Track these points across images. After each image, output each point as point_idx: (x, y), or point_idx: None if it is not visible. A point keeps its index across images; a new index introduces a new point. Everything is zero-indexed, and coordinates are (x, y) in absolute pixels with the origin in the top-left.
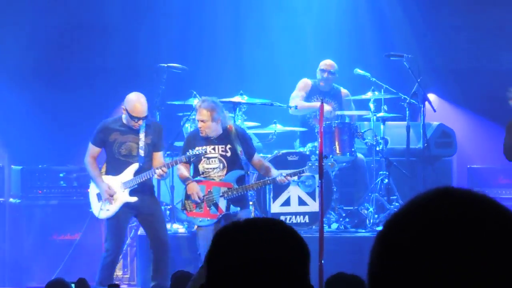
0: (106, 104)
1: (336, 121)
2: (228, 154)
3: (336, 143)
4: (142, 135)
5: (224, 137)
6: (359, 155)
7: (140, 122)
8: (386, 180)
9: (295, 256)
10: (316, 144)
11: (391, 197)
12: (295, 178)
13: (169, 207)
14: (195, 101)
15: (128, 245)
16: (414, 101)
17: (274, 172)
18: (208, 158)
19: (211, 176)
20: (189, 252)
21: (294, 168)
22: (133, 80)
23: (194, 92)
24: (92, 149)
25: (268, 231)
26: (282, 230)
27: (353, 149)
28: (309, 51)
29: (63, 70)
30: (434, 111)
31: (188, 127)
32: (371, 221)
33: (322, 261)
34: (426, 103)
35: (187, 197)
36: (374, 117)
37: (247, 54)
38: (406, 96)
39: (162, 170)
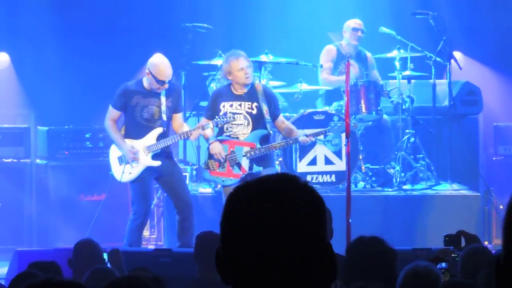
0: (131, 64)
1: (362, 80)
2: (254, 111)
3: (362, 102)
4: (163, 99)
5: (251, 95)
6: (384, 116)
7: (166, 85)
8: (413, 139)
9: (312, 216)
10: (341, 103)
11: (417, 156)
12: (320, 137)
13: (195, 167)
14: (219, 61)
15: (155, 205)
16: (439, 59)
17: (297, 133)
18: (234, 113)
19: (235, 133)
20: (215, 211)
21: (320, 127)
22: (158, 40)
23: (219, 52)
24: (113, 112)
25: (283, 191)
26: (297, 188)
27: (379, 108)
28: (334, 9)
29: (88, 30)
30: (460, 69)
31: (214, 87)
32: (398, 179)
33: (350, 220)
34: (452, 61)
35: (210, 156)
36: (400, 75)
37: (272, 12)
38: (431, 54)
39: (195, 134)
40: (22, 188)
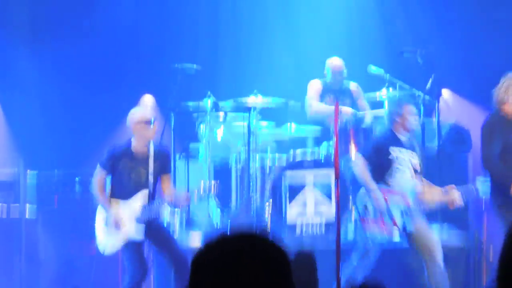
0: (120, 106)
1: (351, 121)
2: (414, 161)
3: (351, 143)
4: (151, 161)
5: (411, 144)
6: None
7: (156, 124)
8: None
9: (277, 277)
10: (331, 143)
11: None
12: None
13: (184, 211)
14: (209, 102)
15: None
16: (428, 97)
17: (438, 189)
18: (400, 159)
19: (399, 183)
20: None
21: (311, 168)
22: (147, 81)
23: (209, 92)
24: (101, 172)
25: (245, 252)
26: (259, 248)
27: None
28: (321, 48)
29: (77, 74)
30: (449, 107)
31: (202, 128)
32: None
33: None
34: (441, 99)
35: (364, 204)
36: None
37: (260, 53)
38: (420, 93)
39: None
40: (12, 233)
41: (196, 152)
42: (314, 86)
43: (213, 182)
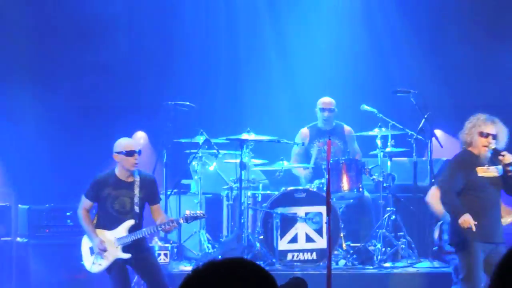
0: (113, 143)
1: (343, 158)
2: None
3: (343, 180)
4: (136, 190)
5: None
6: (365, 193)
7: (137, 156)
8: (394, 217)
9: None
10: (323, 180)
11: (398, 233)
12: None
13: (176, 244)
14: (201, 139)
15: (135, 283)
16: (421, 137)
17: None
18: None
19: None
20: None
21: (301, 205)
22: (140, 118)
23: (201, 130)
24: (85, 202)
25: (233, 277)
26: (247, 273)
27: (360, 185)
28: (316, 88)
29: (69, 108)
30: (441, 147)
31: (195, 165)
32: (379, 257)
33: None
34: (433, 139)
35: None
36: (381, 153)
37: (254, 91)
38: (413, 132)
39: (169, 228)
40: (2, 267)
41: (188, 188)
42: (299, 137)
43: (198, 212)
